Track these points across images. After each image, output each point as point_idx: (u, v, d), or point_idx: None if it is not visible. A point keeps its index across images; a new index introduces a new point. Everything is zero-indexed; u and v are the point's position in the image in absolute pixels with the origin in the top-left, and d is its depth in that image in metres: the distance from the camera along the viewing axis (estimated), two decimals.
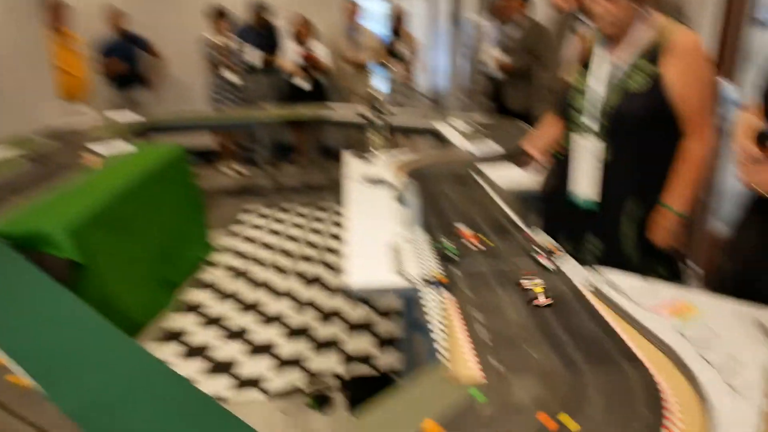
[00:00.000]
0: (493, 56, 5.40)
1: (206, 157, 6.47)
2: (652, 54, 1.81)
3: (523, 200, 2.69)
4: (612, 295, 1.44)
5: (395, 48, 6.23)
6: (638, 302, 1.40)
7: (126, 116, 5.18)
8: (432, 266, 1.61)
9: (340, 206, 5.06)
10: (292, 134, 6.66)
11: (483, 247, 1.74)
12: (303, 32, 5.87)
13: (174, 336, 2.95)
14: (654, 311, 1.36)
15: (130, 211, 2.87)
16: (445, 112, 5.38)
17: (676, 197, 1.84)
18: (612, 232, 1.96)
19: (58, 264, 2.20)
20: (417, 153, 3.32)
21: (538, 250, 1.67)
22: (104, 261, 2.47)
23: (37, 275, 1.78)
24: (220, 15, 5.90)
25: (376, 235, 1.93)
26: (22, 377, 1.15)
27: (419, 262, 1.66)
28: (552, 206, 2.21)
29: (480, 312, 1.36)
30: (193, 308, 3.26)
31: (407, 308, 1.85)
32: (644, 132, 1.84)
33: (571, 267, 1.62)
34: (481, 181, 2.58)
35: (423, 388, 1.11)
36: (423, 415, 1.00)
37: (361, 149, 3.18)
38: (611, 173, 1.93)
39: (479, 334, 1.26)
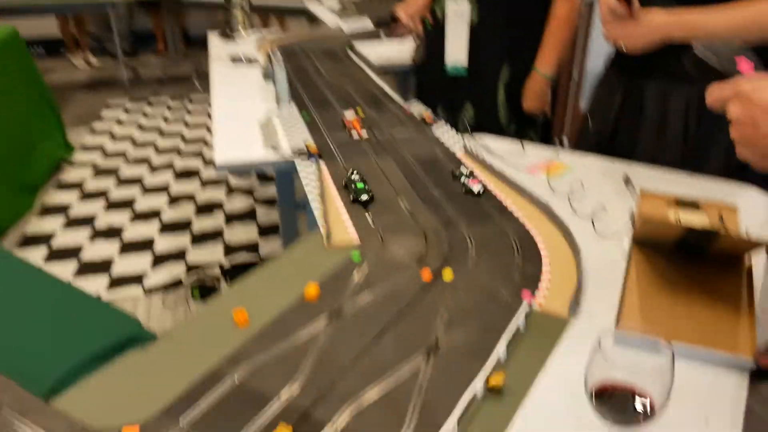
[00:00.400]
0: None
1: (52, 47, 5.80)
2: None
3: (398, 75, 2.64)
4: (486, 157, 1.45)
5: None
6: (512, 163, 1.42)
7: None
8: (304, 138, 1.54)
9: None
10: (150, 20, 6.08)
11: (365, 135, 1.67)
12: None
13: (39, 240, 2.71)
14: (527, 171, 1.39)
15: None
16: None
17: (544, 59, 1.85)
18: (486, 99, 1.96)
19: None
20: (286, 32, 3.13)
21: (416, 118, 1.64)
22: None
23: None
24: None
25: (245, 113, 1.81)
26: None
27: (290, 136, 1.57)
28: (427, 77, 2.17)
29: (356, 177, 1.32)
30: (59, 210, 3.00)
31: (282, 186, 1.78)
32: None
33: (444, 132, 1.60)
34: (354, 58, 2.48)
35: (301, 255, 1.07)
36: (303, 279, 0.96)
37: (227, 29, 2.94)
38: (481, 38, 1.89)
39: (355, 200, 1.23)
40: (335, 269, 1.00)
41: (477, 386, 0.74)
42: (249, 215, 2.91)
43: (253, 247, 2.63)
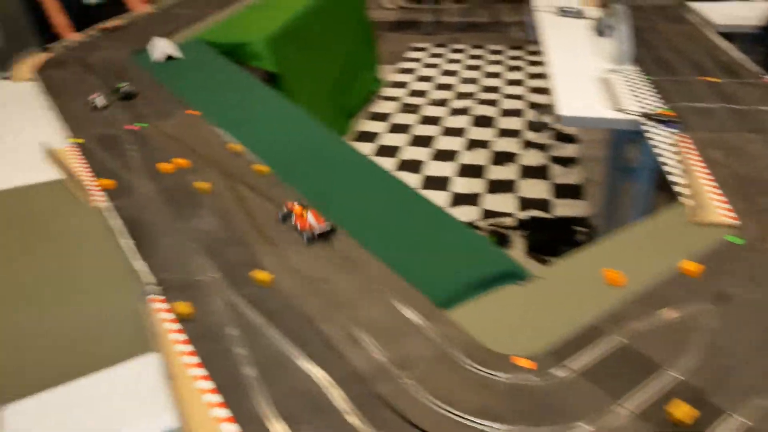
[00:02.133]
0: None
1: None
2: None
3: (745, 40, 2.34)
4: None
5: None
6: None
7: None
8: (651, 102, 1.45)
9: (513, 50, 4.78)
10: None
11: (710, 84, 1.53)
12: None
13: None
14: None
15: (315, 30, 2.86)
16: None
17: None
18: None
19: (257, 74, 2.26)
20: None
21: None
22: (294, 76, 2.51)
23: (251, 80, 1.83)
24: None
25: (579, 68, 1.78)
26: (262, 165, 1.22)
27: (635, 98, 1.50)
28: None
29: (719, 151, 1.21)
30: (369, 137, 3.32)
31: (614, 150, 1.72)
32: None
33: None
34: (691, 18, 2.25)
35: (663, 227, 1.03)
36: (673, 252, 0.93)
37: None
38: None
39: (722, 175, 1.13)
40: (710, 248, 0.94)
41: None
42: (542, 172, 2.90)
43: (546, 205, 2.62)
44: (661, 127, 1.34)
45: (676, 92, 1.53)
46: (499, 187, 2.79)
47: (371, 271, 0.92)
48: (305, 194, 1.11)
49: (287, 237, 0.99)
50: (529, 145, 3.18)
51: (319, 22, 2.97)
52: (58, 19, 2.67)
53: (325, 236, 0.98)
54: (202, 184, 1.13)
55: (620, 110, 1.46)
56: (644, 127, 1.36)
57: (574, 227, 2.38)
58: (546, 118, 3.42)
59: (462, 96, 3.87)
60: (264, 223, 1.03)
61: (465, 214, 2.58)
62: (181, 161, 1.23)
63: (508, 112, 3.61)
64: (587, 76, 1.70)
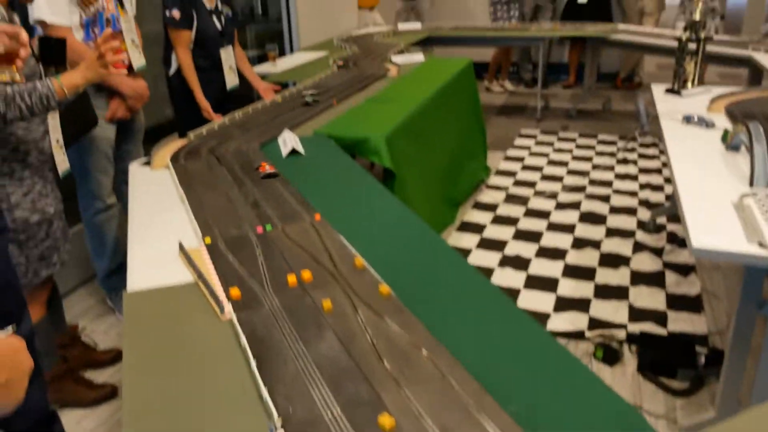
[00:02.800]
0: None
1: (476, 71, 6.44)
2: None
3: None
4: None
5: None
6: None
7: (412, 26, 5.39)
8: None
9: (624, 141, 4.69)
10: (567, 53, 6.27)
11: None
12: None
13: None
14: None
15: (426, 123, 2.93)
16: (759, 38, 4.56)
17: None
18: None
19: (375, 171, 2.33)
20: (736, 87, 2.85)
21: None
22: (407, 171, 2.57)
23: (371, 181, 1.88)
24: None
25: (709, 186, 1.70)
26: (385, 285, 1.22)
27: None
28: None
29: None
30: (475, 229, 3.31)
31: (748, 283, 1.60)
32: None
33: None
34: None
35: None
36: None
37: (675, 85, 2.80)
38: None
39: None
40: None
41: None
42: (657, 279, 2.75)
43: (661, 317, 2.47)
44: None
45: None
46: (608, 292, 2.67)
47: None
48: (421, 318, 1.10)
49: (410, 373, 0.98)
50: (641, 247, 3.04)
51: (434, 114, 3.05)
52: (203, 102, 2.90)
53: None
54: (326, 302, 1.15)
55: (762, 245, 1.36)
56: None
57: (693, 347, 2.22)
58: (661, 219, 3.28)
59: (570, 189, 3.80)
60: (386, 352, 1.03)
61: (571, 321, 2.47)
62: (305, 273, 1.26)
63: (619, 210, 3.49)
64: (720, 199, 1.61)
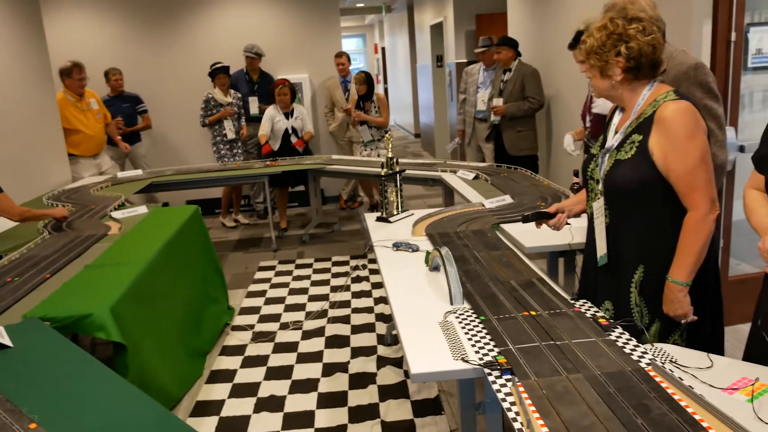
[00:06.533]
0: (485, 100, 5.53)
1: (206, 208, 6.51)
2: (642, 125, 1.83)
3: (551, 258, 2.72)
4: (677, 373, 1.45)
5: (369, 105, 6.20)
6: (709, 383, 1.41)
7: (133, 173, 5.33)
8: (487, 346, 1.61)
9: (357, 259, 5.07)
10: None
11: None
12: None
13: (211, 409, 2.90)
14: (725, 392, 1.38)
15: (157, 281, 2.84)
16: (447, 161, 5.44)
17: (678, 268, 1.81)
18: (621, 296, 1.96)
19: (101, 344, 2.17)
20: (431, 209, 3.33)
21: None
22: (140, 337, 2.43)
23: (87, 360, 1.76)
24: (221, 71, 6.04)
25: (421, 308, 1.94)
26: None
27: (474, 342, 1.66)
28: (586, 266, 2.21)
29: (549, 393, 1.36)
30: (225, 377, 3.22)
31: (463, 392, 1.83)
32: (640, 200, 1.85)
33: (622, 338, 1.63)
34: (505, 240, 2.60)
35: None
36: None
37: (383, 213, 3.17)
38: (616, 237, 1.94)
39: (555, 421, 1.26)
40: None
41: None
42: (401, 390, 2.97)
43: (410, 427, 2.66)
44: (498, 375, 1.48)
45: (506, 331, 1.71)
46: (362, 414, 2.80)
47: None
48: None
49: None
50: (384, 361, 3.28)
51: (164, 270, 2.98)
52: None
53: None
54: None
55: (464, 360, 1.59)
56: (488, 377, 1.49)
57: None
58: (396, 330, 3.58)
59: (314, 316, 3.97)
60: None
61: None
62: None
63: (359, 328, 3.74)
64: (429, 320, 1.84)
